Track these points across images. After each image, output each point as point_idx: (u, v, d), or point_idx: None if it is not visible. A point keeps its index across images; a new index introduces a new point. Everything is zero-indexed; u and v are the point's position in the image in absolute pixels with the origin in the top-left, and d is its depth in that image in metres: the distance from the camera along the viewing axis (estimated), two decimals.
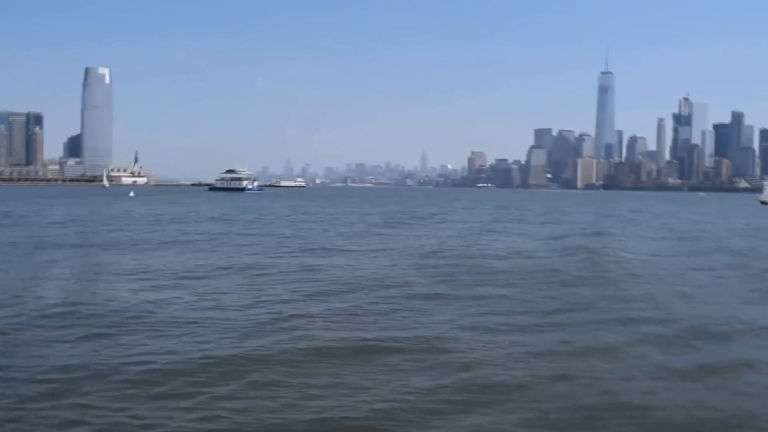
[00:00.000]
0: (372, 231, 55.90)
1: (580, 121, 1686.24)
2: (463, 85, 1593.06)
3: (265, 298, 22.06)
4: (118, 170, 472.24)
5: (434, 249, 39.53)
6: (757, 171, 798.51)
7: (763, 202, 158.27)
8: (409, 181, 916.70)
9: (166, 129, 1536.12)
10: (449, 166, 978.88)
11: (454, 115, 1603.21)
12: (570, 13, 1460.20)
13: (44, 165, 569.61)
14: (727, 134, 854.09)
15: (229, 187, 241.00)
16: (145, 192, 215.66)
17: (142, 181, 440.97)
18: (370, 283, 25.81)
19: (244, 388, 12.73)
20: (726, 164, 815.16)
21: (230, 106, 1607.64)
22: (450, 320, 19.02)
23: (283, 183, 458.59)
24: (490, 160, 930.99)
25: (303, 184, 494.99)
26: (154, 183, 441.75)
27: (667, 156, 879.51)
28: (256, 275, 27.58)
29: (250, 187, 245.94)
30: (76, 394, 12.29)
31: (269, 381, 13.14)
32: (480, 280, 27.10)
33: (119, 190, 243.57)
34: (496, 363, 14.57)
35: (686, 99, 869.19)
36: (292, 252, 36.64)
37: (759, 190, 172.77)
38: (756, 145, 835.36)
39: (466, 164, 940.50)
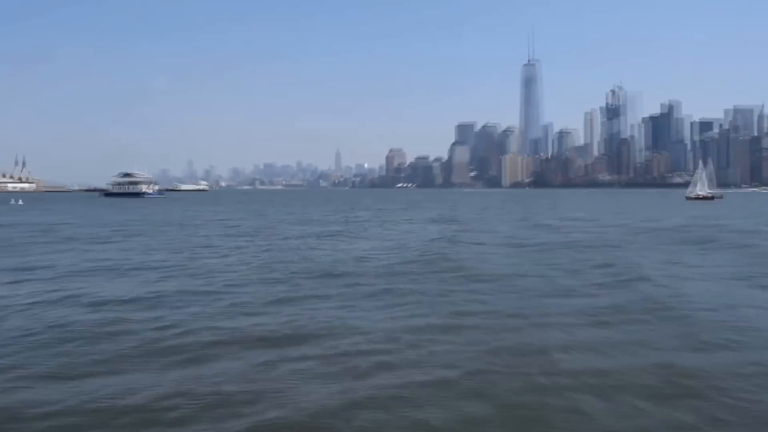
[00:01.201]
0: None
1: (505, 114, 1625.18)
2: (381, 79, 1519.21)
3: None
4: (3, 176, 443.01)
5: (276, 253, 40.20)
6: (692, 165, 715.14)
7: (688, 198, 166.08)
8: (322, 182, 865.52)
9: (56, 130, 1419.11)
10: (366, 166, 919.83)
11: (371, 110, 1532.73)
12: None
13: None
14: (662, 126, 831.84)
15: (125, 192, 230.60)
16: (32, 199, 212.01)
17: (29, 187, 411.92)
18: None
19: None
20: (659, 159, 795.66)
21: (125, 103, 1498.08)
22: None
23: (183, 187, 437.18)
24: (410, 158, 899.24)
25: (206, 187, 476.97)
26: (43, 189, 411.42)
27: (597, 151, 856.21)
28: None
29: (149, 191, 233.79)
30: None
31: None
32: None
33: (3, 197, 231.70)
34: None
35: (618, 89, 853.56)
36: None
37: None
38: (691, 138, 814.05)
39: (384, 163, 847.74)
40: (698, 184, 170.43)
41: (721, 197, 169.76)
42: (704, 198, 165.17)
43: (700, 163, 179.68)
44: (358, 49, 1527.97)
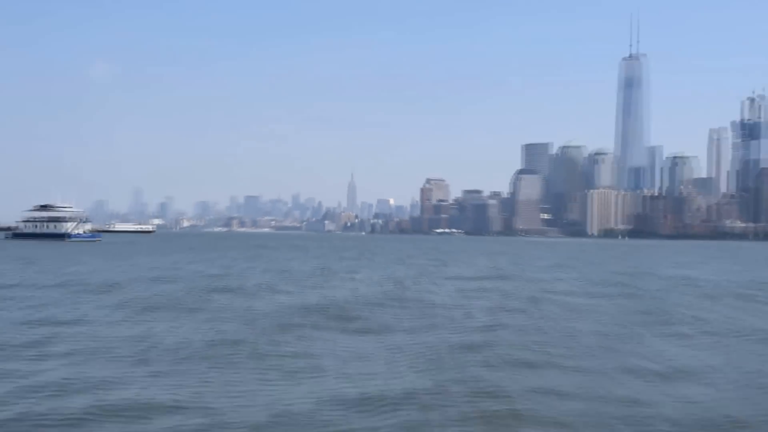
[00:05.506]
0: None
1: (594, 132, 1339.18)
2: (411, 81, 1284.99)
3: None
4: None
5: None
6: None
7: None
8: (329, 224, 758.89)
9: None
10: (391, 202, 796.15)
11: (398, 124, 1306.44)
12: None
13: None
14: None
15: (42, 233, 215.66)
16: None
17: None
18: None
19: None
20: None
21: (49, 108, 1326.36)
22: None
23: (119, 226, 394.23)
24: (455, 192, 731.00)
25: (151, 228, 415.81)
26: None
27: (726, 186, 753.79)
28: None
29: (76, 232, 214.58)
30: None
31: None
32: None
33: None
34: None
35: (756, 98, 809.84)
36: None
37: None
38: None
39: (419, 198, 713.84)
40: None
41: None
42: None
43: None
44: (377, 40, 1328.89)
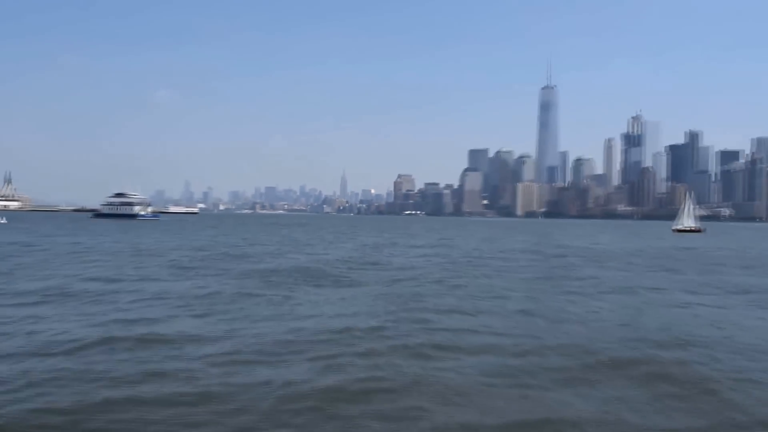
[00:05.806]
0: None
1: (520, 141, 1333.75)
2: (391, 100, 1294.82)
3: None
4: None
5: None
6: (716, 197, 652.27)
7: (677, 231, 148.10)
8: (326, 208, 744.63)
9: (46, 146, 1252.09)
10: (373, 191, 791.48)
11: (379, 134, 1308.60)
12: (512, 23, 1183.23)
13: None
14: (683, 156, 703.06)
15: (117, 213, 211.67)
16: (17, 218, 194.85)
17: (14, 205, 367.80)
18: None
19: None
20: (681, 190, 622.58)
21: (121, 119, 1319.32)
22: None
23: (173, 209, 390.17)
24: (419, 184, 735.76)
25: (196, 210, 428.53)
26: (29, 208, 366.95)
27: (616, 180, 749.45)
28: None
29: (142, 213, 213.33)
30: None
31: None
32: None
33: None
34: None
35: (637, 117, 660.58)
36: None
37: (717, 218, 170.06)
38: (714, 169, 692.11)
39: (392, 188, 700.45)
40: (684, 217, 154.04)
41: (705, 230, 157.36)
42: (692, 231, 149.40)
43: (686, 194, 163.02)
44: (365, 69, 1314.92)
